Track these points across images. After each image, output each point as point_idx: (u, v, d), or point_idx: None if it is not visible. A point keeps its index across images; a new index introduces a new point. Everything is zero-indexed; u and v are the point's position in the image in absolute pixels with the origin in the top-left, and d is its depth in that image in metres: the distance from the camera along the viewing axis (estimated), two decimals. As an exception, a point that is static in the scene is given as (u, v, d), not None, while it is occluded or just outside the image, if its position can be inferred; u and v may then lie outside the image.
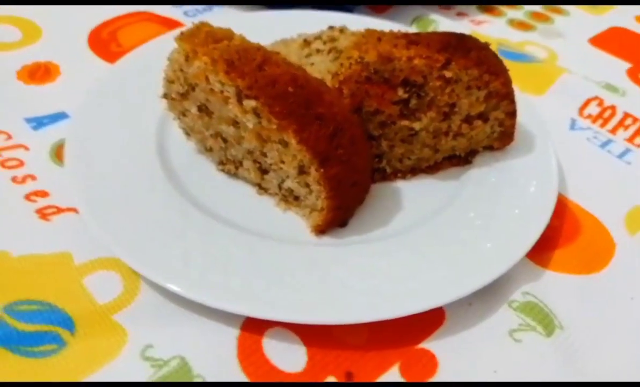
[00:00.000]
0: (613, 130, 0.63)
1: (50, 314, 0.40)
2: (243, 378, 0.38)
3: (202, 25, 0.45)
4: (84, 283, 0.42)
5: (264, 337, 0.40)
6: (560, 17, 0.83)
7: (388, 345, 0.41)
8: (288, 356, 0.40)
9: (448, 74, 0.46)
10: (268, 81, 0.42)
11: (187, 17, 0.73)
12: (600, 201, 0.54)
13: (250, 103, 0.42)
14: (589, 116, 0.64)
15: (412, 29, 0.70)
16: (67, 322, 0.40)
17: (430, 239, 0.46)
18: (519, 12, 0.83)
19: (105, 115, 0.52)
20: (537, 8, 0.84)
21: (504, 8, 0.83)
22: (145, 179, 0.48)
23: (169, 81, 0.48)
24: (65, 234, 0.45)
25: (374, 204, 0.49)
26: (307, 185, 0.44)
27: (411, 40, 0.47)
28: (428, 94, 0.47)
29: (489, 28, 0.78)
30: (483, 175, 0.52)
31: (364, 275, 0.42)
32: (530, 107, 0.57)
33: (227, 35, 0.45)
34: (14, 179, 0.49)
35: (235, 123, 0.45)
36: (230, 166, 0.50)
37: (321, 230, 0.46)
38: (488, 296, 0.44)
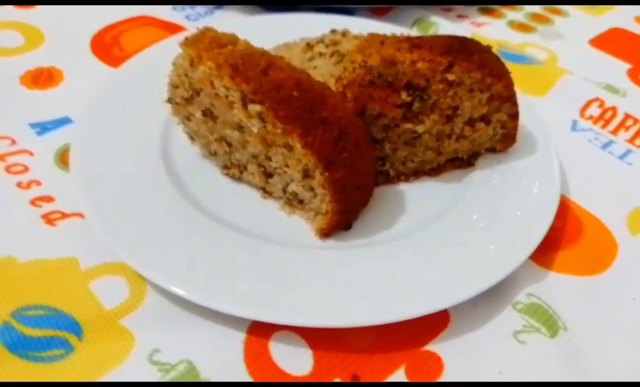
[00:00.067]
0: (614, 132, 0.63)
1: (58, 320, 0.40)
2: (250, 381, 0.39)
3: (207, 30, 0.46)
4: (90, 288, 0.43)
5: (270, 340, 0.41)
6: (560, 18, 0.83)
7: (394, 347, 0.41)
8: (294, 359, 0.40)
9: (451, 77, 0.47)
10: (273, 86, 0.42)
11: (189, 21, 0.73)
12: (602, 202, 0.54)
13: (255, 107, 0.42)
14: (590, 117, 0.65)
15: (413, 32, 0.71)
16: (75, 327, 0.40)
17: (434, 241, 0.46)
18: (519, 14, 0.83)
19: (109, 120, 0.52)
20: (537, 9, 0.85)
21: (504, 10, 0.84)
22: (150, 184, 0.48)
23: (174, 86, 0.48)
24: (71, 239, 0.46)
25: (377, 207, 0.49)
26: (312, 188, 0.45)
27: (414, 43, 0.47)
28: (431, 97, 0.48)
29: (490, 30, 0.79)
30: (485, 178, 0.52)
31: (368, 278, 0.42)
32: (532, 108, 0.57)
33: (232, 40, 0.45)
34: (19, 185, 0.50)
35: (239, 127, 0.45)
36: (234, 170, 0.50)
37: (326, 233, 0.46)
38: (492, 297, 0.44)
